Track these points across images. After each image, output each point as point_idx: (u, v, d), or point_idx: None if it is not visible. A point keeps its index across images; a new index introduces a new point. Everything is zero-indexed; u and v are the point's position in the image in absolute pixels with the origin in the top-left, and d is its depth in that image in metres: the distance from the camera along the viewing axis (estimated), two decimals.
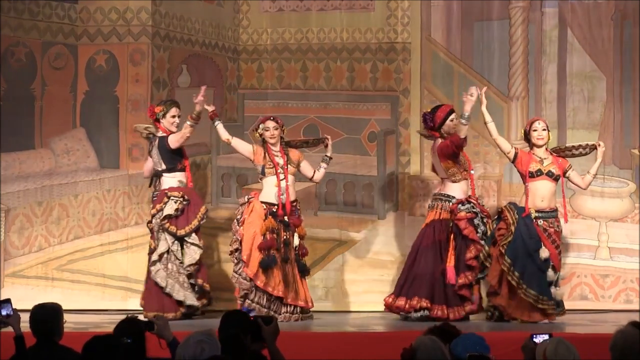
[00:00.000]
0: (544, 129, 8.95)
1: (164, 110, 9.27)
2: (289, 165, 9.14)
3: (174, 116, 9.28)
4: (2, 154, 10.05)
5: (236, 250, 9.07)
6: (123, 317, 5.57)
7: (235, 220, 9.14)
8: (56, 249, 10.17)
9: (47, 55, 10.19)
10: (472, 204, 9.08)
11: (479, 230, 9.05)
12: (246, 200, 9.15)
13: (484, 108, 8.93)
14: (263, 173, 9.14)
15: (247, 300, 9.02)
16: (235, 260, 9.08)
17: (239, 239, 9.03)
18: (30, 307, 5.75)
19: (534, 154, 8.94)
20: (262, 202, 9.08)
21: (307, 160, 9.41)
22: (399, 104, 10.44)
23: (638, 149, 10.46)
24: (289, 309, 9.04)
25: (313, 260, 10.36)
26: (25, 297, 9.38)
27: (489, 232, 9.03)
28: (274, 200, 9.08)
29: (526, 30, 10.54)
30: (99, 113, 10.12)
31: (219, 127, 9.17)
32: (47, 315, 5.66)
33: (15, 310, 5.88)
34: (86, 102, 10.27)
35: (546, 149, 9.00)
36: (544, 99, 10.50)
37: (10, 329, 5.85)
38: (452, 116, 9.16)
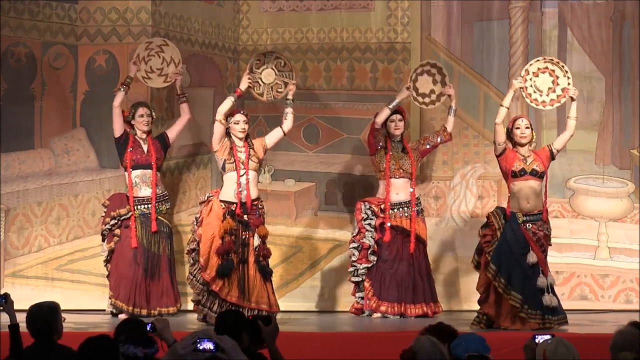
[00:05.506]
0: (527, 127, 8.83)
1: (132, 112, 9.55)
2: (250, 160, 8.91)
3: (141, 115, 9.53)
4: (2, 154, 10.05)
5: (193, 250, 8.89)
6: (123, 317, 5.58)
7: (194, 219, 9.01)
8: (56, 249, 10.17)
9: (47, 55, 10.18)
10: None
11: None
12: (205, 198, 8.99)
13: (510, 95, 8.95)
14: (223, 169, 8.94)
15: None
16: (192, 261, 8.92)
17: (197, 239, 8.84)
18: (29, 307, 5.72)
19: (517, 152, 8.88)
20: (221, 201, 8.86)
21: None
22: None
23: (637, 149, 10.46)
24: (251, 312, 8.63)
25: (313, 260, 10.37)
26: (25, 297, 9.38)
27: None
28: (233, 198, 8.85)
29: (526, 30, 10.54)
30: (99, 113, 10.10)
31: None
32: (45, 315, 5.60)
33: (8, 298, 5.83)
34: (86, 102, 10.27)
35: (529, 148, 8.90)
36: None
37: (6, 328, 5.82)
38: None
